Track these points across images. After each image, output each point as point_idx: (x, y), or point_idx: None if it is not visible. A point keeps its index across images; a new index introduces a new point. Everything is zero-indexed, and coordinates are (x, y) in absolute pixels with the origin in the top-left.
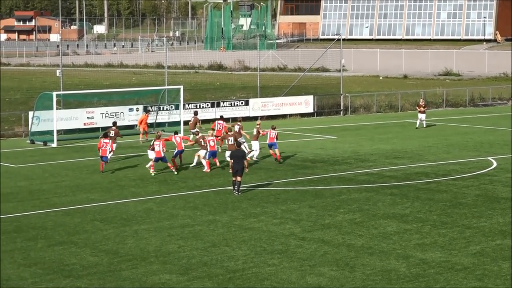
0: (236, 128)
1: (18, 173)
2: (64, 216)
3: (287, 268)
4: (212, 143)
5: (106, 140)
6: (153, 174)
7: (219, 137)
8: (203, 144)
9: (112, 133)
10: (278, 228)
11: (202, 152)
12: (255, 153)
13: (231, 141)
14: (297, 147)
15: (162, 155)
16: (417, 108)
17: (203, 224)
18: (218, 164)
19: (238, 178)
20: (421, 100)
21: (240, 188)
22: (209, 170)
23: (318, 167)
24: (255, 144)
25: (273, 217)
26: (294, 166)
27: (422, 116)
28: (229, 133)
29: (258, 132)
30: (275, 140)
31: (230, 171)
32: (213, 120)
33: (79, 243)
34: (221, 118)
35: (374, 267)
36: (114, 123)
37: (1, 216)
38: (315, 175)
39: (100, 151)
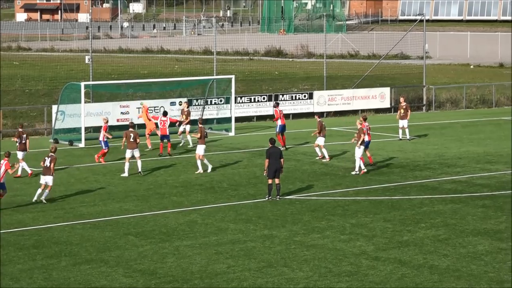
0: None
1: (39, 177)
2: (93, 230)
3: None
4: None
5: (164, 118)
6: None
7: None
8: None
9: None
10: (346, 245)
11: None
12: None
13: (132, 138)
14: (370, 149)
15: None
16: (398, 111)
17: (257, 240)
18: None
19: (277, 181)
20: (402, 99)
21: (301, 197)
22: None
23: (395, 173)
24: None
25: (340, 233)
26: (366, 171)
27: (403, 123)
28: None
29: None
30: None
31: (265, 173)
32: (269, 116)
33: (110, 261)
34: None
35: None
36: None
37: (19, 229)
38: (392, 182)
39: (160, 130)
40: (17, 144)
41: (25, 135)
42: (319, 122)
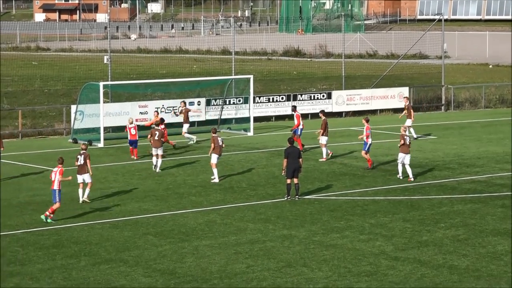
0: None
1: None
2: (112, 229)
3: None
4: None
5: (162, 126)
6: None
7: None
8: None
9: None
10: (365, 245)
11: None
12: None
13: (156, 136)
14: (389, 149)
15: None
16: (404, 111)
17: (276, 240)
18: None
19: (295, 180)
20: (405, 99)
21: (320, 197)
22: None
23: (414, 173)
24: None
25: (360, 233)
26: (385, 171)
27: (409, 122)
28: (155, 126)
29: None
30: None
31: (283, 173)
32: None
33: (130, 261)
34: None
35: None
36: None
37: (39, 229)
38: (411, 182)
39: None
40: None
41: None
42: (324, 121)
